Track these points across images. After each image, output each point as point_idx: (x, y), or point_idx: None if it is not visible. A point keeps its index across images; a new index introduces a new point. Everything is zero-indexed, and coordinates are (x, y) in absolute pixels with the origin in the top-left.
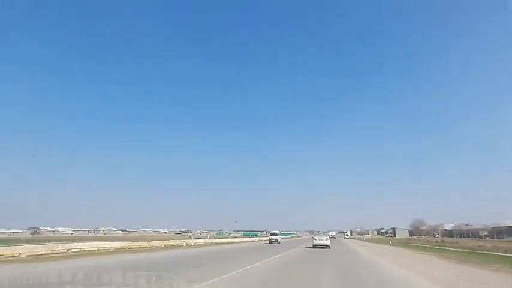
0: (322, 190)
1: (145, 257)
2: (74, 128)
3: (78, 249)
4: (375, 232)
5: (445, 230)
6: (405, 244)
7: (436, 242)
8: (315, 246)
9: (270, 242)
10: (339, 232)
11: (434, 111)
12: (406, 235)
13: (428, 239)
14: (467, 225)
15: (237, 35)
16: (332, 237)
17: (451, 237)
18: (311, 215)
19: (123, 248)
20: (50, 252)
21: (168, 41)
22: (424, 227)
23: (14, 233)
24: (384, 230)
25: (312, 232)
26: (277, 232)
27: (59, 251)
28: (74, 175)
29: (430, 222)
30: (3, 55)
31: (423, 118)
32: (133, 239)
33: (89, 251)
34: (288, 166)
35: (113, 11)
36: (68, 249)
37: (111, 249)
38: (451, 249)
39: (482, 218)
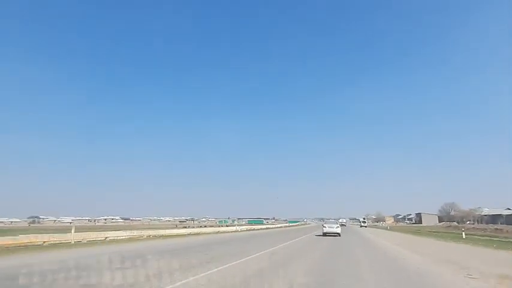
0: (333, 176)
1: None
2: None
3: None
4: (392, 219)
5: (484, 215)
6: (489, 240)
7: None
8: (325, 234)
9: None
10: (351, 219)
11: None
12: (435, 221)
13: (474, 226)
14: (508, 209)
15: None
16: (342, 225)
17: (493, 223)
18: (322, 202)
19: None
20: None
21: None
22: (454, 212)
23: (12, 222)
24: (400, 217)
25: (322, 220)
26: None
27: None
28: (78, 163)
29: (463, 206)
30: None
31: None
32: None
33: None
34: (300, 151)
35: None
36: None
37: None
38: None
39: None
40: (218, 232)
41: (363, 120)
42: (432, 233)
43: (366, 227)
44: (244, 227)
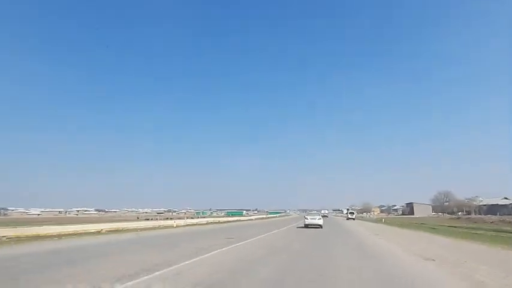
0: (317, 167)
1: None
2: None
3: None
4: (378, 210)
5: (483, 205)
6: None
7: None
8: (306, 226)
9: None
10: (334, 210)
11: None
12: (428, 212)
13: (500, 218)
14: (506, 198)
15: None
16: (324, 216)
17: (492, 214)
18: (306, 194)
19: None
20: None
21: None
22: (449, 202)
23: None
24: (385, 208)
25: (305, 211)
26: None
27: None
28: (57, 154)
29: (459, 195)
30: None
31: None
32: None
33: None
34: (284, 142)
35: None
36: None
37: None
38: None
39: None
40: (168, 227)
41: (345, 110)
42: (449, 228)
43: (353, 219)
44: (205, 220)
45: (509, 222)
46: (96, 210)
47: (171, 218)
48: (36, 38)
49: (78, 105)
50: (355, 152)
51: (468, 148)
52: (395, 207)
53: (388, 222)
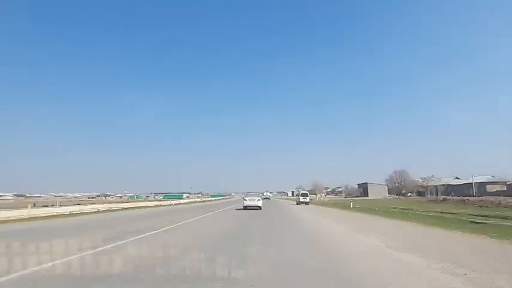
0: (263, 149)
1: None
2: None
3: None
4: (325, 192)
5: (442, 185)
6: None
7: None
8: (245, 208)
9: None
10: (279, 193)
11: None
12: (384, 194)
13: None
14: (457, 178)
15: None
16: (266, 198)
17: (448, 194)
18: (251, 177)
19: None
20: None
21: None
22: (402, 182)
23: None
24: (329, 189)
25: (249, 194)
26: None
27: None
28: None
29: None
30: None
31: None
32: None
33: None
34: (227, 125)
35: None
36: None
37: None
38: None
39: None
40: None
41: (293, 83)
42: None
43: (307, 203)
44: (95, 207)
45: None
46: (14, 195)
47: (78, 204)
48: None
49: None
50: (300, 134)
51: (420, 129)
52: (339, 189)
53: (364, 209)
